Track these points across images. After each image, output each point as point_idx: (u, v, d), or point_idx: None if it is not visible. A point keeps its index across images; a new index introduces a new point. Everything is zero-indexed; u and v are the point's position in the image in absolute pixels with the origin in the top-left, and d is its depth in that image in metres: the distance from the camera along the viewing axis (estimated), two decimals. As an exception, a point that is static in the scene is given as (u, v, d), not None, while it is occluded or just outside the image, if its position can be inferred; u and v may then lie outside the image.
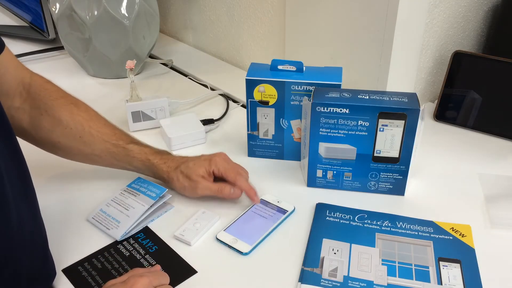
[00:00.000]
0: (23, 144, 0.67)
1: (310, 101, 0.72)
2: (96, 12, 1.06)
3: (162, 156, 0.78)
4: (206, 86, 1.15)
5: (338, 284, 0.61)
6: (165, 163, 0.77)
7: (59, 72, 1.22)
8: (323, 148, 0.75)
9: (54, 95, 0.75)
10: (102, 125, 0.77)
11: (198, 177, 0.74)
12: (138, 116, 0.95)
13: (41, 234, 0.59)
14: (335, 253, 0.65)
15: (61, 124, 0.73)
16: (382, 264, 0.64)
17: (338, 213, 0.73)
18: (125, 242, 0.69)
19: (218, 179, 0.76)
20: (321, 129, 0.73)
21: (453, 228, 0.70)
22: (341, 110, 0.71)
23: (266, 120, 0.83)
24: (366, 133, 0.72)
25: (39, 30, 1.37)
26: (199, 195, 0.75)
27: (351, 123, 0.72)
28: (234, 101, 1.08)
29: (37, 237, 0.58)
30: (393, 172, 0.75)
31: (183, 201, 0.76)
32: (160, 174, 0.77)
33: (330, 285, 0.61)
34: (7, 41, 1.37)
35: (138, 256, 0.67)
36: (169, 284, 0.59)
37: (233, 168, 0.76)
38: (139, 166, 0.77)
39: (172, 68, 1.25)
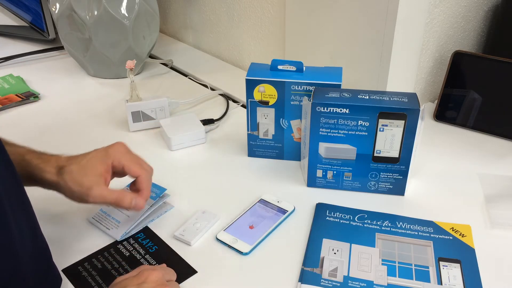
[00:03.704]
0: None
1: (310, 101, 0.72)
2: (96, 12, 1.06)
3: (42, 155, 0.64)
4: (206, 86, 1.15)
5: (338, 284, 0.61)
6: (46, 162, 0.62)
7: (59, 72, 1.22)
8: (323, 148, 0.75)
9: None
10: None
11: (91, 181, 0.60)
12: (138, 116, 0.95)
13: (42, 242, 0.58)
14: (335, 253, 0.65)
15: None
16: (382, 264, 0.64)
17: (338, 213, 0.73)
18: (125, 242, 0.69)
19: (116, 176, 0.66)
20: (321, 129, 0.73)
21: (453, 228, 0.70)
22: (341, 110, 0.71)
23: (266, 120, 0.83)
24: (366, 133, 0.72)
25: (39, 30, 1.37)
26: (91, 204, 0.63)
27: (351, 123, 0.72)
28: (234, 101, 1.08)
29: (38, 245, 0.57)
30: (393, 172, 0.75)
31: (183, 201, 0.76)
32: (41, 177, 0.62)
33: (330, 285, 0.61)
34: (7, 41, 1.39)
35: (138, 256, 0.67)
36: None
37: (135, 160, 0.65)
38: None
39: (172, 68, 1.25)
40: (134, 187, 0.67)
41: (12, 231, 0.50)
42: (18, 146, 0.64)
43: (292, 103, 0.81)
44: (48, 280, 0.59)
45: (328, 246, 0.67)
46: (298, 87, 0.79)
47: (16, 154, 0.62)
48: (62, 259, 0.65)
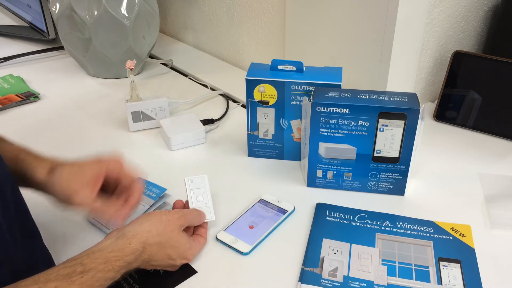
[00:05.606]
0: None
1: (310, 101, 0.72)
2: (96, 12, 1.06)
3: (38, 157, 0.61)
4: (206, 86, 1.15)
5: (338, 284, 0.61)
6: (40, 162, 0.60)
7: (59, 72, 1.22)
8: (323, 148, 0.75)
9: None
10: None
11: (78, 184, 0.58)
12: (138, 116, 0.95)
13: (33, 229, 0.58)
14: (335, 253, 0.65)
15: None
16: (382, 264, 0.64)
17: (338, 213, 0.73)
18: (125, 242, 0.69)
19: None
20: (321, 129, 0.73)
21: (453, 228, 0.70)
22: (341, 110, 0.71)
23: (266, 120, 0.83)
24: (366, 133, 0.72)
25: (39, 30, 1.38)
26: (74, 208, 0.59)
27: (351, 123, 0.72)
28: (234, 101, 1.08)
29: (28, 232, 0.57)
30: (393, 172, 0.75)
31: (183, 201, 0.76)
32: (31, 176, 0.59)
33: (330, 285, 0.61)
34: (7, 41, 1.39)
35: (138, 256, 0.66)
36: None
37: (129, 172, 0.63)
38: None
39: (172, 68, 1.25)
40: (126, 191, 0.63)
41: None
42: (14, 145, 0.63)
43: (292, 103, 0.81)
44: (39, 265, 0.59)
45: (328, 246, 0.67)
46: (298, 87, 0.79)
47: (11, 151, 0.60)
48: (62, 258, 0.65)
